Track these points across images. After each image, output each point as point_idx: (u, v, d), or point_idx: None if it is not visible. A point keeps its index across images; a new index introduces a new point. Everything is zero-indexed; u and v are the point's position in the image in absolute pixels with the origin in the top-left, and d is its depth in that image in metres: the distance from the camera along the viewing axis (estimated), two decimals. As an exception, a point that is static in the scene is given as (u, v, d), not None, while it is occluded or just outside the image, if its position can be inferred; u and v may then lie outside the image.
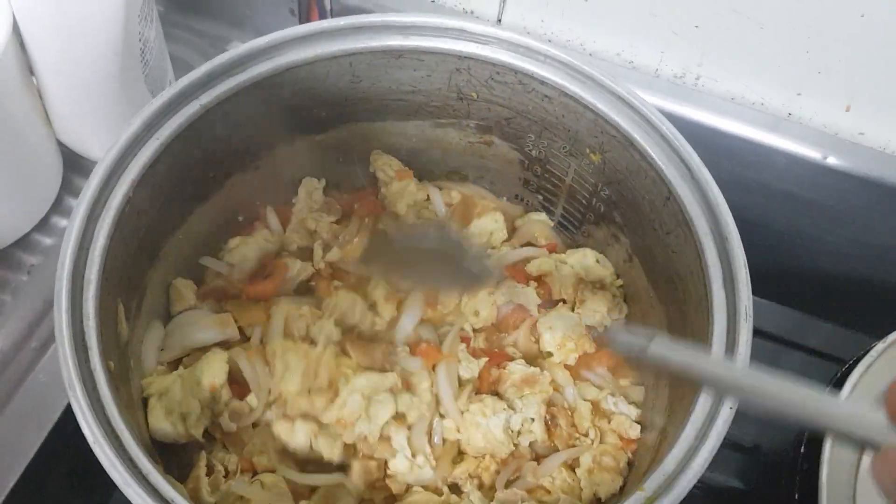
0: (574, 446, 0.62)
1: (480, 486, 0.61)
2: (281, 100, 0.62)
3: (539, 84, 0.61)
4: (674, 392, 0.59)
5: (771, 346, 0.84)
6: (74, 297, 0.50)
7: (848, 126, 0.78)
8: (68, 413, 0.46)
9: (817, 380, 0.69)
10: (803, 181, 0.79)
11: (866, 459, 0.64)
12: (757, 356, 0.83)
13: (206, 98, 0.57)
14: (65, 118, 0.75)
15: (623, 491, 0.59)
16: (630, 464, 0.62)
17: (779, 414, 0.35)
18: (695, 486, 0.75)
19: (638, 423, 0.63)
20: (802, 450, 0.63)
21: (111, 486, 0.74)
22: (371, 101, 0.66)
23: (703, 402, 0.49)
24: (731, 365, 0.47)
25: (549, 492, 0.59)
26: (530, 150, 0.69)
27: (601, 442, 0.62)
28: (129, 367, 0.57)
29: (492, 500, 0.59)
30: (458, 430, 0.61)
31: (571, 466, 0.61)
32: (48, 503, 0.69)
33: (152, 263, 0.61)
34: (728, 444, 0.76)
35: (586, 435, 0.62)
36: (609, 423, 0.63)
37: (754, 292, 0.84)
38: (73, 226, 0.51)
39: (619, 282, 0.68)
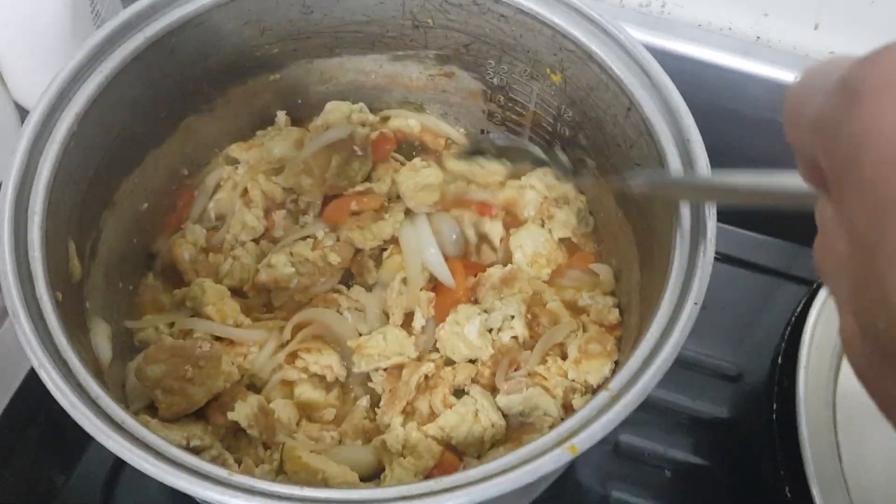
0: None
1: (484, 388, 0.61)
2: (230, 33, 0.61)
3: (493, 3, 0.60)
4: (644, 278, 0.58)
5: (756, 275, 0.82)
6: (18, 228, 0.48)
7: (818, 45, 0.76)
8: (33, 379, 0.45)
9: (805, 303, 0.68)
10: (776, 105, 0.77)
11: (845, 368, 0.63)
12: (743, 286, 0.82)
13: (151, 31, 0.56)
14: (18, 76, 0.73)
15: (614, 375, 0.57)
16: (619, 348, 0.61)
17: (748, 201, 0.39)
18: (682, 416, 0.74)
19: (616, 308, 0.63)
20: (780, 362, 0.62)
21: (82, 450, 0.73)
22: (324, 34, 0.65)
23: (670, 294, 0.47)
24: (705, 175, 0.51)
25: (545, 378, 0.59)
26: (491, 79, 0.67)
27: (584, 331, 0.61)
28: (85, 310, 0.56)
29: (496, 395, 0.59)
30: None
31: (563, 357, 0.61)
32: (18, 468, 0.68)
33: (106, 206, 0.59)
34: (713, 374, 0.76)
35: None
36: (588, 315, 0.62)
37: (734, 223, 0.83)
38: (16, 155, 0.50)
39: (583, 196, 0.67)
